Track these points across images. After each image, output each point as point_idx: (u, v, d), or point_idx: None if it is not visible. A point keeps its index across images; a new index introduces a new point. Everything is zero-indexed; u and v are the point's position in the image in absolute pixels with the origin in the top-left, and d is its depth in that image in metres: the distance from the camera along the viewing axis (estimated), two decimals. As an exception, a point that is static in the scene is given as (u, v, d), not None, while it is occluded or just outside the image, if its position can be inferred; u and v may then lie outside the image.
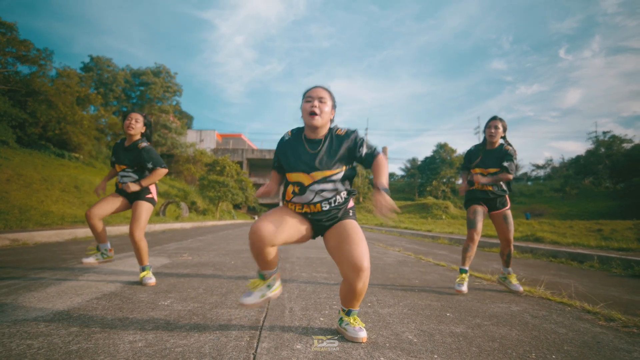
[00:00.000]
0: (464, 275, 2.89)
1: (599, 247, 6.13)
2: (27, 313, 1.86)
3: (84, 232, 7.48)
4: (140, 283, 2.69)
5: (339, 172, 1.68)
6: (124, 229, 8.90)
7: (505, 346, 1.61)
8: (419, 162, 53.87)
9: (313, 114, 1.65)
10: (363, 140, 1.71)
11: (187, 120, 43.00)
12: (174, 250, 5.20)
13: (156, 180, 2.72)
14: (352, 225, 1.66)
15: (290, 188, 1.73)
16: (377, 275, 3.51)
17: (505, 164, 2.91)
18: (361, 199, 47.45)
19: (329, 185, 1.67)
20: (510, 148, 2.97)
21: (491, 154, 3.01)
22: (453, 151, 53.15)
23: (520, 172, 59.90)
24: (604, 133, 48.84)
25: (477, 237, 2.92)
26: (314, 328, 1.76)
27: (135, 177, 2.72)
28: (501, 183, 2.99)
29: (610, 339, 1.75)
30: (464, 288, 2.80)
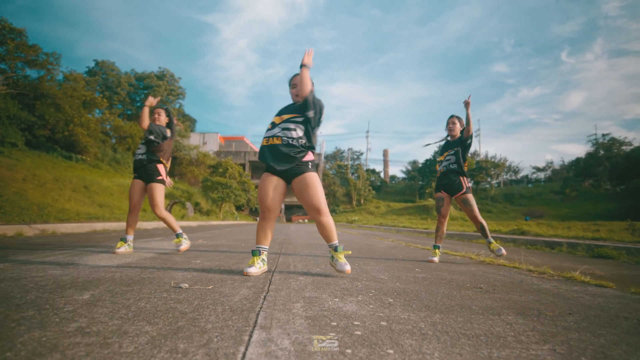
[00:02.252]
0: (436, 250, 3.50)
1: (575, 237, 6.72)
2: (97, 264, 2.47)
3: (100, 226, 8.14)
4: (176, 249, 3.33)
5: (298, 116, 2.33)
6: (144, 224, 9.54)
7: (451, 282, 2.21)
8: (420, 165, 54.40)
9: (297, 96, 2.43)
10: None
11: (190, 123, 43.74)
12: (189, 238, 5.80)
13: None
14: (312, 177, 2.31)
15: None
16: (367, 253, 4.11)
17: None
18: (362, 201, 48.03)
19: (291, 125, 2.33)
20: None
21: (451, 143, 3.66)
22: (453, 153, 53.60)
23: (521, 174, 60.41)
24: (603, 135, 49.31)
25: (444, 220, 3.59)
26: (312, 272, 2.38)
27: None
28: (453, 165, 3.56)
29: (532, 281, 2.36)
30: (436, 259, 3.41)
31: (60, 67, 19.95)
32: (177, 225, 3.37)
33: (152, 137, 3.30)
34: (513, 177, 59.96)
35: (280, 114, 2.41)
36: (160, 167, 3.42)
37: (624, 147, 47.46)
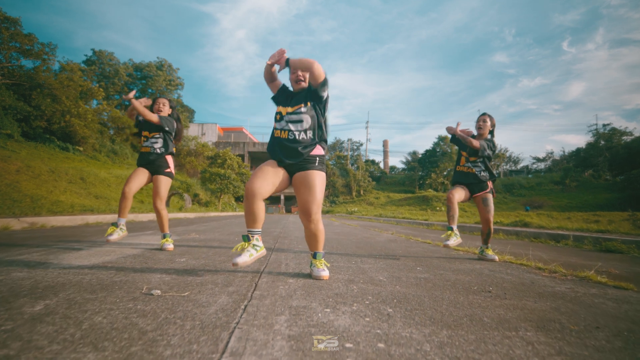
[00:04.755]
0: (449, 232, 3.22)
1: (579, 229, 6.53)
2: (70, 264, 2.27)
3: (94, 218, 7.94)
4: (160, 249, 3.12)
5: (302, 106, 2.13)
6: (131, 216, 9.36)
7: (456, 283, 2.01)
8: (420, 155, 54.07)
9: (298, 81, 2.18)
10: None
11: (188, 114, 43.31)
12: (182, 231, 5.62)
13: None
14: (314, 176, 2.04)
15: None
16: (365, 248, 3.92)
17: (483, 142, 3.29)
18: (362, 192, 47.87)
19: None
20: (494, 140, 3.41)
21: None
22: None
23: (521, 165, 60.15)
24: (604, 126, 49.02)
25: (454, 199, 3.24)
26: (304, 273, 2.18)
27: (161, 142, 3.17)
28: (484, 173, 3.36)
29: (544, 282, 2.16)
30: (450, 242, 3.14)
31: (56, 57, 19.57)
32: (167, 225, 3.17)
33: (167, 129, 3.13)
34: (513, 168, 59.77)
35: (285, 104, 2.18)
36: (170, 158, 3.24)
37: (624, 137, 47.22)
